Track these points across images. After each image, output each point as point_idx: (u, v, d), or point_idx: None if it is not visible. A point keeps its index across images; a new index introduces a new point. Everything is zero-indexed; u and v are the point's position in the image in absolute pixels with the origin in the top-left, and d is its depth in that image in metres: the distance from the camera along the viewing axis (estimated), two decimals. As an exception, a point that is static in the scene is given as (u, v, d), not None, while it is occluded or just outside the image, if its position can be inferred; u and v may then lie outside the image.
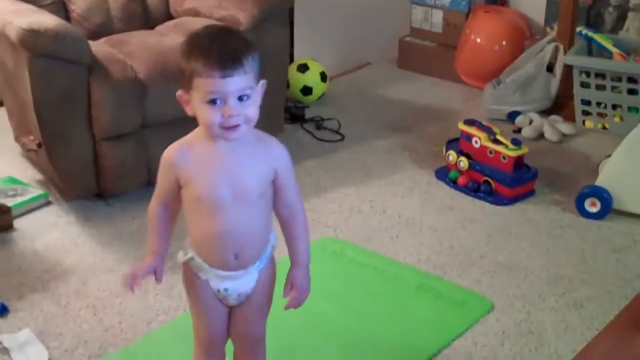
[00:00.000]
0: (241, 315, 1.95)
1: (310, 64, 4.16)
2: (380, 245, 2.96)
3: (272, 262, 1.95)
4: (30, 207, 3.15)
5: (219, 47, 1.70)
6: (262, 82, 1.78)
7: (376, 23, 4.85)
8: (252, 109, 1.74)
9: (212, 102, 1.70)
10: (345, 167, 3.58)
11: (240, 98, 1.71)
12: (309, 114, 4.05)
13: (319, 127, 3.94)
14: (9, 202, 3.07)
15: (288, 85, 3.98)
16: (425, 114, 4.16)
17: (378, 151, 3.73)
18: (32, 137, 3.14)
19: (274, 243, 1.94)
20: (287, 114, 3.91)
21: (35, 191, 3.23)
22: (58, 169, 3.06)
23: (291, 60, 4.18)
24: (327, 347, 2.40)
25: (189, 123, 1.83)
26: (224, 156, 1.79)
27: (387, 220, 3.13)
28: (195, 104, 1.73)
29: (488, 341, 2.45)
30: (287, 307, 1.95)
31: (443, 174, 3.46)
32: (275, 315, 2.55)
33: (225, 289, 1.90)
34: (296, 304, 1.95)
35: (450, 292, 2.67)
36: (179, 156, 1.80)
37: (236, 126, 1.72)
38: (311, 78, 4.13)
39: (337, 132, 3.90)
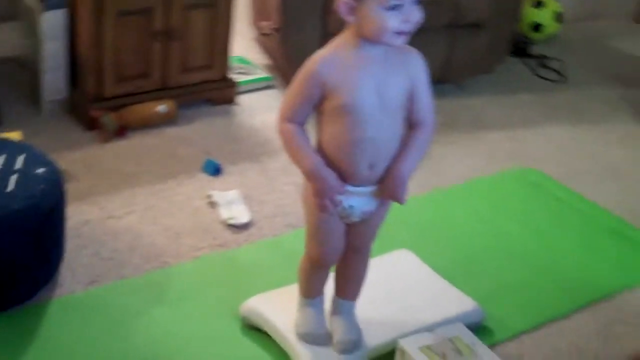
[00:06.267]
0: (358, 231, 1.92)
1: (547, 1, 4.09)
2: (581, 186, 2.93)
3: None
4: (254, 87, 3.35)
5: None
6: None
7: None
8: (421, 14, 1.70)
9: (392, 7, 1.66)
10: (559, 107, 3.54)
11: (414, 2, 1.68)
12: (533, 50, 4.02)
13: (541, 65, 3.90)
14: (237, 79, 3.29)
15: (519, 18, 3.95)
16: (654, 72, 4.04)
17: (597, 99, 3.66)
18: (269, 22, 3.33)
19: None
20: (511, 45, 3.90)
21: (261, 73, 3.43)
22: (287, 55, 3.23)
23: (529, -6, 4.14)
24: (509, 264, 2.46)
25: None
26: (371, 64, 1.74)
27: (593, 165, 3.10)
28: (367, 11, 1.68)
29: (671, 297, 2.42)
30: (382, 196, 1.85)
31: (661, 132, 3.37)
32: (465, 232, 2.63)
33: (351, 206, 1.84)
34: (394, 196, 1.82)
35: (643, 243, 2.64)
36: (324, 65, 1.74)
37: (407, 32, 1.70)
38: (544, 16, 4.07)
39: (558, 72, 3.85)
